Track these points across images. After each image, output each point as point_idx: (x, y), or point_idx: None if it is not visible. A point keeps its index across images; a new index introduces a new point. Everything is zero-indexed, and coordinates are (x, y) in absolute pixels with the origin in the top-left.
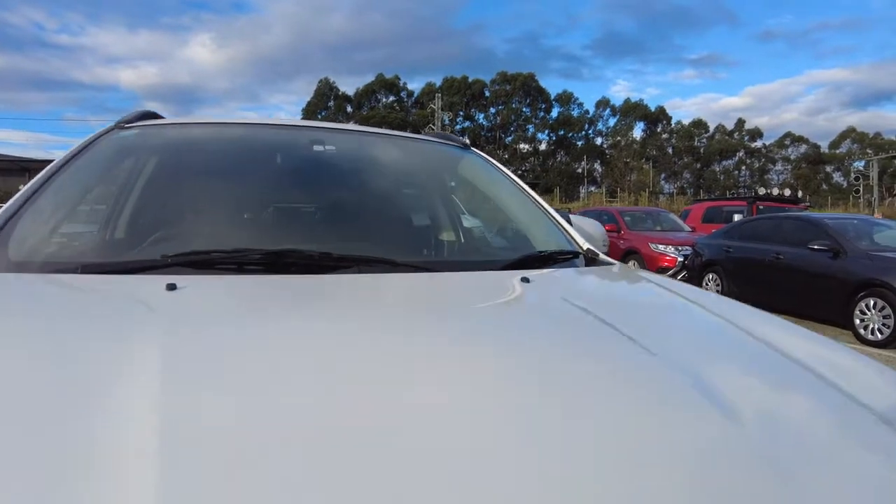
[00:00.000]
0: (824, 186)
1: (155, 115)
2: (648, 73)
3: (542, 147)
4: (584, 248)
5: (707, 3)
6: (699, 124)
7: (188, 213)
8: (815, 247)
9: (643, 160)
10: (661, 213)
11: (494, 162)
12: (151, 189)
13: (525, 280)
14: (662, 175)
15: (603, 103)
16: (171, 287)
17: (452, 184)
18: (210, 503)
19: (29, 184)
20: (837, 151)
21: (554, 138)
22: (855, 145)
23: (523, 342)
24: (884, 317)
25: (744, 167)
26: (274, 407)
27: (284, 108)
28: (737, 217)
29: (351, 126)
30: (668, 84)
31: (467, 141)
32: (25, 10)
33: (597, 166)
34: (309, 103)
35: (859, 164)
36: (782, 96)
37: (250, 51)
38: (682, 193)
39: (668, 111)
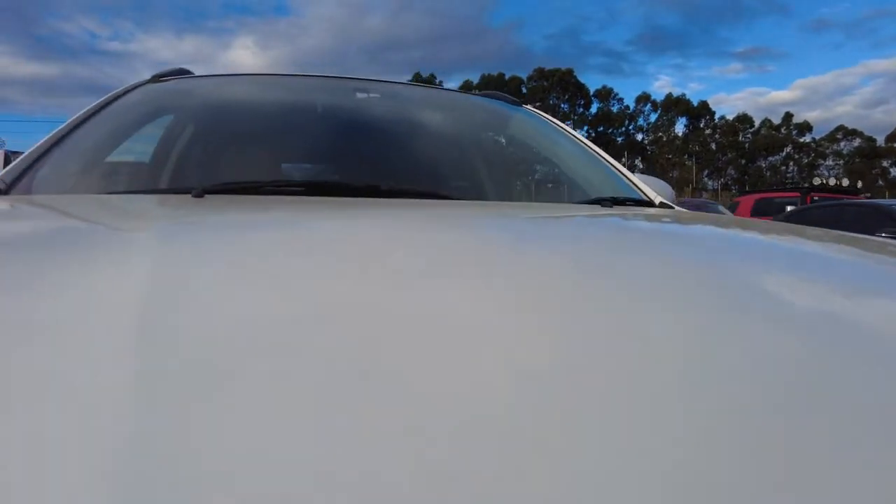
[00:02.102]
0: (880, 182)
1: (189, 72)
2: (692, 68)
3: None
4: (658, 201)
5: None
6: (744, 119)
7: (226, 151)
8: (884, 235)
9: (685, 156)
10: (709, 205)
11: (550, 118)
12: (191, 132)
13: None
14: (705, 171)
15: (643, 98)
16: (199, 195)
17: (502, 138)
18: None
19: (60, 126)
20: (895, 145)
21: (593, 134)
22: None
23: (591, 246)
24: None
25: (791, 163)
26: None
27: None
28: (789, 209)
29: (395, 80)
30: (713, 79)
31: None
32: (80, 20)
33: (638, 163)
34: None
35: None
36: (835, 88)
37: (290, 52)
38: (727, 189)
39: (711, 106)
